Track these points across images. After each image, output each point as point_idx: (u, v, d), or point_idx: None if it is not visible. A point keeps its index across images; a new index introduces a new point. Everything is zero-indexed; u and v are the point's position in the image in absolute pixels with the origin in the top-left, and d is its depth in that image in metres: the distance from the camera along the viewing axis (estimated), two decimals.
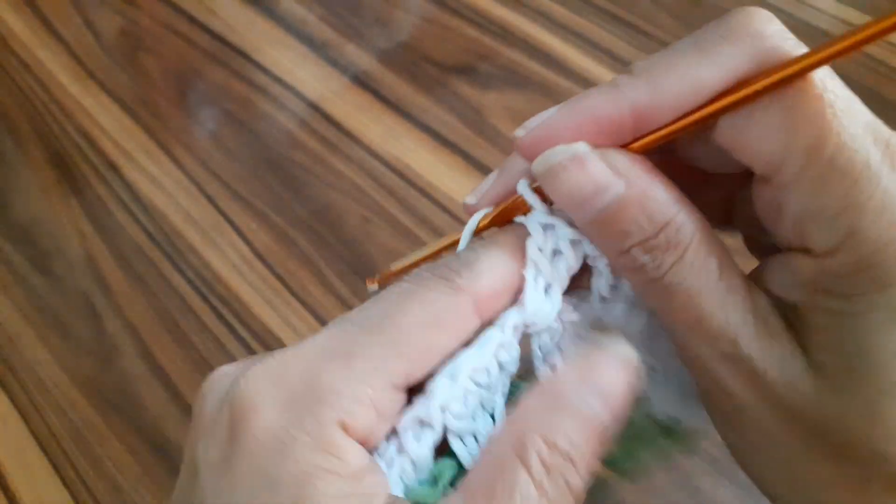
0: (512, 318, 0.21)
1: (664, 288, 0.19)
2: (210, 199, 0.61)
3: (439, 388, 0.20)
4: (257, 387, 0.19)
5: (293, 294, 0.56)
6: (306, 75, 0.69)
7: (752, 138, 0.19)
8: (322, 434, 0.18)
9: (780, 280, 0.20)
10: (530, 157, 0.21)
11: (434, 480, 0.20)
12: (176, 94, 0.69)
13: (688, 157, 0.23)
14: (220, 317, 0.55)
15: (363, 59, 0.70)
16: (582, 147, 0.20)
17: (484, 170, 0.61)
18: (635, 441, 0.24)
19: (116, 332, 0.55)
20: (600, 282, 0.23)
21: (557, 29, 0.70)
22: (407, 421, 0.20)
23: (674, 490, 0.45)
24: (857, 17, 0.70)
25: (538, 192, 0.22)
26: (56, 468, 0.49)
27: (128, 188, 0.63)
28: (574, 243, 0.22)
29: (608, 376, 0.20)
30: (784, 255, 0.20)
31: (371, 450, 0.20)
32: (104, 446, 0.50)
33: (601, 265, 0.22)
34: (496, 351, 0.21)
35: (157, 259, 0.58)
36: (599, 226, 0.20)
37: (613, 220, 0.19)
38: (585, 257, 0.22)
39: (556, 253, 0.22)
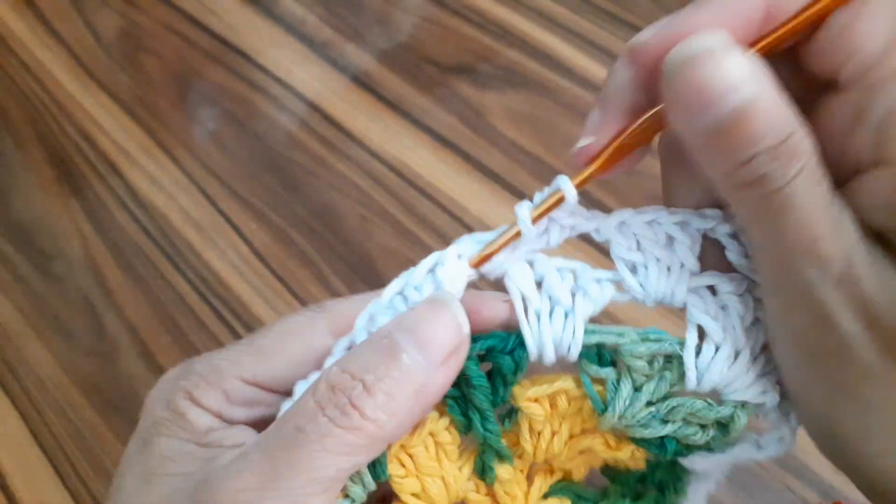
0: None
1: (783, 201, 0.19)
2: (210, 199, 0.61)
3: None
4: (166, 374, 0.26)
5: (293, 294, 0.56)
6: (306, 75, 0.70)
7: (856, 35, 0.19)
8: (171, 399, 0.24)
9: (864, 205, 0.20)
10: (653, 63, 0.20)
11: None
12: (176, 94, 0.69)
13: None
14: (220, 317, 0.55)
15: (363, 59, 0.70)
16: (719, 41, 0.19)
17: (484, 170, 0.61)
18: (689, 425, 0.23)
19: (116, 332, 0.55)
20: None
21: (557, 29, 0.70)
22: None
23: None
24: None
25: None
26: (56, 468, 0.49)
27: (128, 188, 0.63)
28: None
29: (419, 317, 0.21)
30: (859, 179, 0.20)
31: (229, 422, 0.24)
32: (104, 446, 0.50)
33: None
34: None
35: (157, 259, 0.58)
36: (726, 129, 0.18)
37: (744, 122, 0.18)
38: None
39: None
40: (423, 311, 0.22)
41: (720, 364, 0.22)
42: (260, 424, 0.24)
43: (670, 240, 0.23)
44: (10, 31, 0.76)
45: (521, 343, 0.23)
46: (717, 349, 0.22)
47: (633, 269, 0.23)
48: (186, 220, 0.60)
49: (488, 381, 0.23)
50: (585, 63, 0.67)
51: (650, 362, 0.22)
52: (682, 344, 0.22)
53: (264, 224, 0.59)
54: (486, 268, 0.23)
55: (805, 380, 0.21)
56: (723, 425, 0.23)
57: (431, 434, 0.24)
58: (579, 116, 0.63)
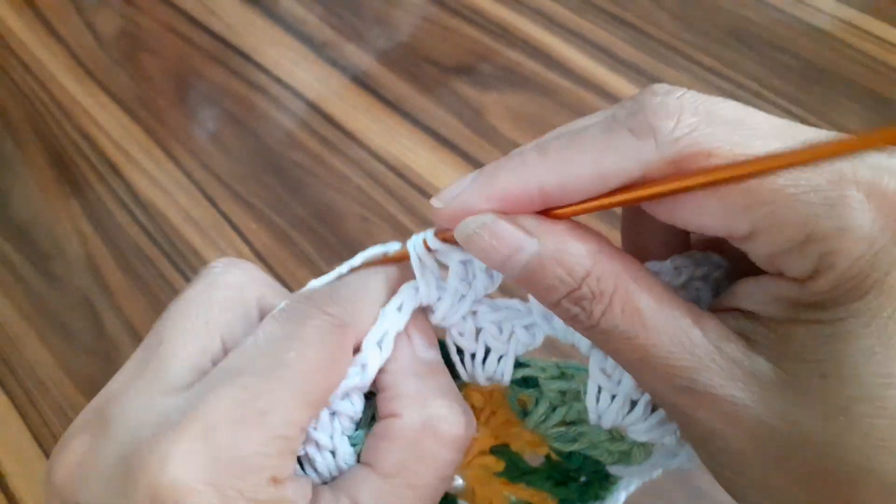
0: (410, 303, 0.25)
1: (602, 334, 0.20)
2: (210, 199, 0.61)
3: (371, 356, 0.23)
4: (185, 466, 0.18)
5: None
6: (306, 75, 0.70)
7: (687, 217, 0.20)
8: (259, 496, 0.19)
9: (757, 298, 0.20)
10: (450, 226, 0.22)
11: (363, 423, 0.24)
12: (176, 94, 0.69)
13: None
14: None
15: (363, 59, 0.70)
16: (489, 217, 0.21)
17: None
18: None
19: (116, 332, 0.55)
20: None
21: (557, 29, 0.70)
22: (338, 394, 0.23)
23: (674, 490, 0.45)
24: (856, 16, 0.70)
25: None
26: None
27: (128, 188, 0.63)
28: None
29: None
30: (762, 277, 0.20)
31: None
32: None
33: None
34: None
35: (157, 259, 0.58)
36: (526, 283, 0.21)
37: (536, 276, 0.20)
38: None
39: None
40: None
41: (615, 411, 0.24)
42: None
43: None
44: (10, 31, 0.76)
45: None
46: (612, 398, 0.24)
47: (549, 318, 0.25)
48: (186, 220, 0.60)
49: None
50: (585, 63, 0.67)
51: (563, 393, 0.25)
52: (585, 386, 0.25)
53: (264, 224, 0.59)
54: (435, 318, 0.25)
55: (698, 454, 0.22)
56: (625, 454, 0.25)
57: None
58: (579, 116, 0.63)
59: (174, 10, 0.76)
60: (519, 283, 0.21)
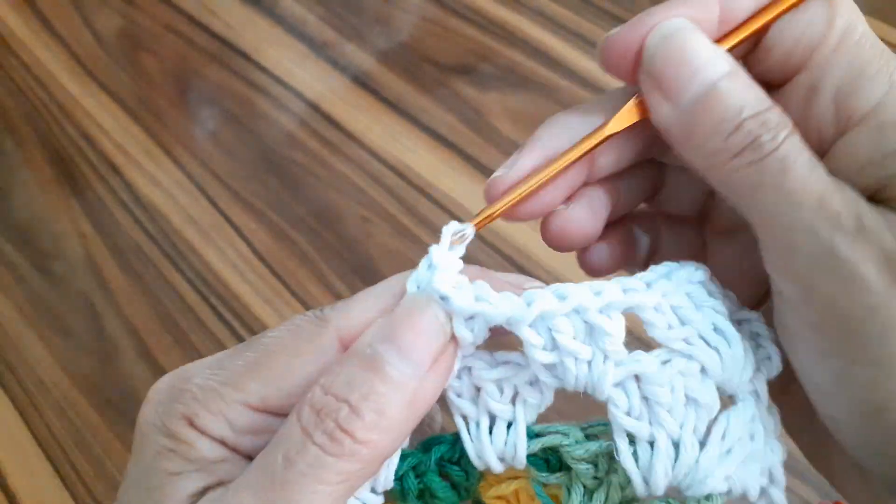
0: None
1: (781, 161, 0.19)
2: (210, 199, 0.61)
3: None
4: (154, 388, 0.22)
5: (293, 294, 0.56)
6: (306, 75, 0.70)
7: (801, 23, 0.20)
8: (171, 426, 0.21)
9: (841, 171, 0.20)
10: (621, 55, 0.21)
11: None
12: (176, 94, 0.69)
13: None
14: (220, 316, 0.55)
15: (363, 59, 0.70)
16: (692, 23, 0.20)
17: (484, 170, 0.61)
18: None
19: (116, 332, 0.55)
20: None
21: (557, 29, 0.70)
22: None
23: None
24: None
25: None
26: (56, 468, 0.49)
27: (128, 188, 0.63)
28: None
29: (396, 322, 0.20)
30: (829, 154, 0.21)
31: (235, 451, 0.21)
32: (104, 446, 0.50)
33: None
34: None
35: (157, 259, 0.58)
36: (714, 97, 0.19)
37: (728, 90, 0.19)
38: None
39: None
40: (401, 317, 0.20)
41: (662, 463, 0.19)
42: None
43: (590, 328, 0.20)
44: (10, 31, 0.76)
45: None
46: (651, 445, 0.20)
47: (553, 369, 0.20)
48: (186, 220, 0.60)
49: (452, 489, 0.23)
50: (586, 63, 0.67)
51: (594, 464, 0.21)
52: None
53: (264, 224, 0.59)
54: None
55: (839, 373, 0.20)
56: None
57: None
58: None
59: (174, 10, 0.76)
60: (699, 103, 0.19)
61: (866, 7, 0.69)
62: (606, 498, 0.21)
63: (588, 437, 0.21)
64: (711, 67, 0.19)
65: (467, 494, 0.23)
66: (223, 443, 0.21)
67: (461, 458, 0.22)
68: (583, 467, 0.21)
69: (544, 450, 0.21)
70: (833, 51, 0.20)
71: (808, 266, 0.19)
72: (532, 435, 0.21)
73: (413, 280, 0.21)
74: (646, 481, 0.20)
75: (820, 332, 0.20)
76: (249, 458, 0.21)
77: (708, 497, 0.20)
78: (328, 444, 0.18)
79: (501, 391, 0.21)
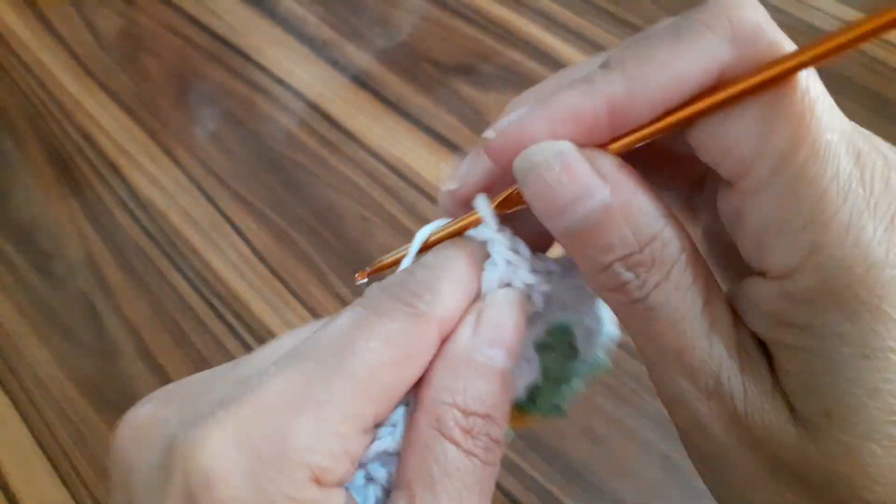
0: None
1: (646, 310, 0.18)
2: (210, 199, 0.61)
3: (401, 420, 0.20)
4: (218, 451, 0.17)
5: (293, 294, 0.56)
6: (306, 75, 0.70)
7: (725, 138, 0.17)
8: (298, 495, 0.17)
9: (746, 311, 0.19)
10: (502, 161, 0.19)
11: None
12: (176, 94, 0.69)
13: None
14: (220, 316, 0.55)
15: (363, 59, 0.70)
16: (566, 146, 0.18)
17: None
18: (554, 381, 0.25)
19: (116, 332, 0.55)
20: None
21: (557, 29, 0.70)
22: (372, 455, 0.20)
23: (674, 490, 0.45)
24: (856, 16, 0.70)
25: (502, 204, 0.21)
26: (56, 468, 0.49)
27: (128, 188, 0.63)
28: (536, 274, 0.21)
29: (499, 323, 0.20)
30: (747, 281, 0.19)
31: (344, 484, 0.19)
32: (104, 446, 0.50)
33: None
34: None
35: (157, 259, 0.58)
36: (580, 236, 0.18)
37: (596, 230, 0.18)
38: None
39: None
40: (503, 317, 0.20)
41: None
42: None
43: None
44: (10, 31, 0.76)
45: None
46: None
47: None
48: (186, 220, 0.60)
49: None
50: None
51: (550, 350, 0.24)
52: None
53: (264, 224, 0.59)
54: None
55: (697, 468, 0.21)
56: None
57: None
58: None
59: (174, 10, 0.76)
60: (567, 237, 0.18)
61: (867, 7, 0.69)
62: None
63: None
64: (581, 205, 0.17)
65: None
66: (343, 482, 0.19)
67: None
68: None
69: None
70: (756, 190, 0.17)
71: (667, 399, 0.20)
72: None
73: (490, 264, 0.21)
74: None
75: (688, 448, 0.21)
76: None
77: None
78: (487, 456, 0.19)
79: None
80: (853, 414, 0.17)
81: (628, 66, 0.18)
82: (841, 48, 0.16)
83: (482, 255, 0.21)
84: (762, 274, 0.18)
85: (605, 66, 0.18)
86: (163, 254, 0.58)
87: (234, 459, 0.17)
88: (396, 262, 0.23)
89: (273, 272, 0.57)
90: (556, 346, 0.24)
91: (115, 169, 0.64)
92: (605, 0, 0.72)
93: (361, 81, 0.68)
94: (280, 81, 0.69)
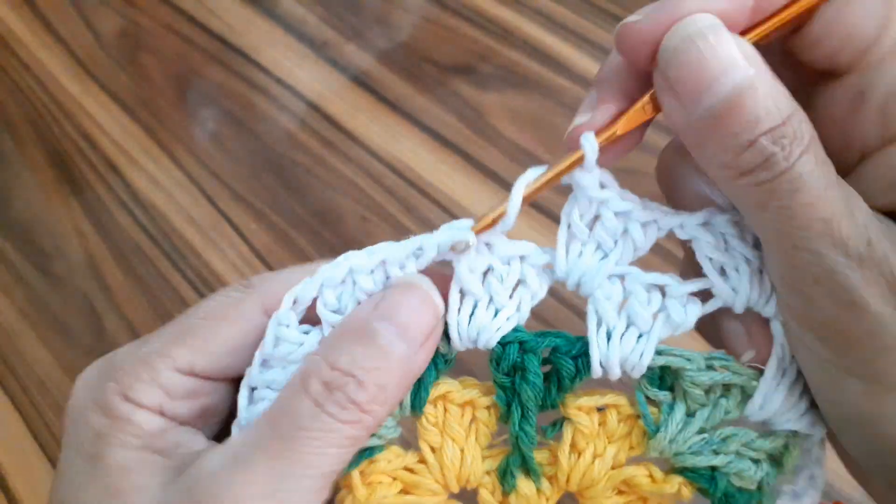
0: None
1: (792, 181, 0.18)
2: (210, 199, 0.61)
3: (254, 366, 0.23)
4: (80, 377, 0.24)
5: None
6: (306, 75, 0.70)
7: (852, 16, 0.19)
8: (105, 403, 0.22)
9: (866, 190, 0.19)
10: (642, 48, 0.20)
11: None
12: (176, 94, 0.69)
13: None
14: None
15: (363, 59, 0.70)
16: (713, 21, 0.19)
17: (484, 170, 0.61)
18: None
19: (116, 332, 0.55)
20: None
21: (557, 29, 0.70)
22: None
23: None
24: None
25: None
26: (56, 468, 0.49)
27: (128, 188, 0.63)
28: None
29: (395, 302, 0.21)
30: (867, 162, 0.20)
31: (173, 419, 0.23)
32: None
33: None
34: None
35: (157, 259, 0.58)
36: (727, 112, 0.18)
37: (744, 103, 0.18)
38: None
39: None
40: (399, 296, 0.22)
41: (784, 392, 0.21)
42: (202, 416, 0.24)
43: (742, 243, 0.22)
44: (10, 31, 0.76)
45: (586, 350, 0.22)
46: (782, 377, 0.21)
47: (722, 272, 0.22)
48: (186, 220, 0.60)
49: (544, 381, 0.23)
50: (585, 63, 0.67)
51: (708, 391, 0.22)
52: (747, 375, 0.22)
53: (264, 224, 0.59)
54: (570, 279, 0.22)
55: (836, 380, 0.20)
56: (775, 459, 0.22)
57: (471, 404, 0.23)
58: None
59: (174, 10, 0.76)
60: (712, 118, 0.18)
61: None
62: (707, 418, 0.22)
63: (708, 367, 0.22)
64: (730, 77, 0.18)
65: (556, 395, 0.23)
66: (160, 413, 0.23)
67: (578, 356, 0.22)
68: (697, 392, 0.22)
69: (662, 367, 0.22)
70: (885, 58, 0.19)
71: (812, 285, 0.19)
72: (656, 354, 0.22)
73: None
74: (763, 405, 0.21)
75: (819, 342, 0.20)
76: (188, 425, 0.23)
77: (795, 434, 0.22)
78: (340, 413, 0.20)
79: (649, 301, 0.22)
80: None
81: None
82: None
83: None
84: (885, 144, 0.19)
85: None
86: (163, 254, 0.58)
87: (82, 380, 0.24)
88: (497, 220, 0.22)
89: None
90: (707, 380, 0.22)
91: (115, 169, 0.64)
92: (605, 0, 0.72)
93: (361, 81, 0.68)
94: (280, 81, 0.69)
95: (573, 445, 0.23)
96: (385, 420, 0.22)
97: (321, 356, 0.21)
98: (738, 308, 0.21)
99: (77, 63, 0.72)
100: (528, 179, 0.22)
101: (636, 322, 0.22)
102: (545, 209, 0.55)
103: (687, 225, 0.22)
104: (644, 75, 0.21)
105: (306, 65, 0.70)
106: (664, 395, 0.22)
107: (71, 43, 0.74)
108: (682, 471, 0.23)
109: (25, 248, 0.60)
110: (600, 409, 0.23)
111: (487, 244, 0.22)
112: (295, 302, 0.23)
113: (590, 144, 0.21)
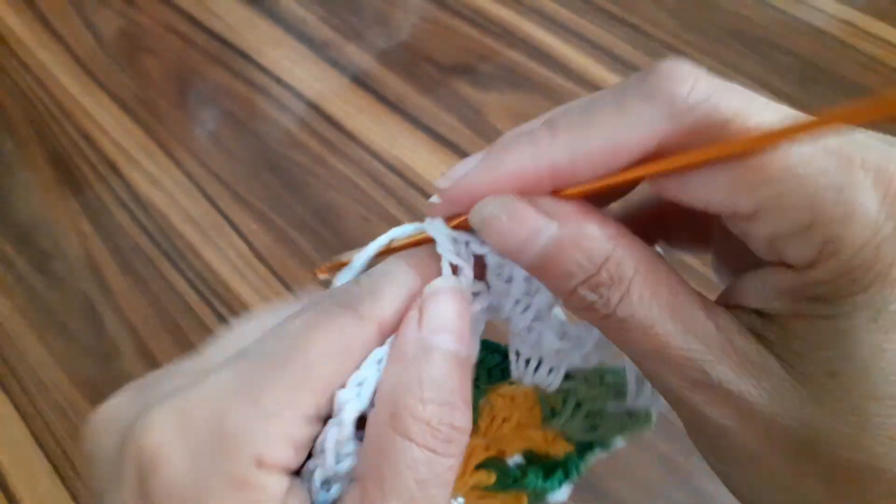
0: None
1: (617, 323, 0.19)
2: (210, 199, 0.61)
3: (347, 405, 0.20)
4: (163, 434, 0.18)
5: (293, 294, 0.56)
6: (306, 75, 0.70)
7: (694, 191, 0.19)
8: (237, 474, 0.18)
9: (759, 292, 0.20)
10: (453, 209, 0.21)
11: None
12: (176, 94, 0.69)
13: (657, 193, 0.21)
14: (220, 316, 0.55)
15: (363, 59, 0.70)
16: (507, 197, 0.20)
17: None
18: (596, 418, 0.28)
19: (116, 332, 0.55)
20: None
21: (557, 29, 0.70)
22: (324, 442, 0.20)
23: (674, 490, 0.45)
24: (856, 16, 0.70)
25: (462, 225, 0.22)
26: (56, 468, 0.49)
27: (128, 188, 0.63)
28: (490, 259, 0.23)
29: (439, 311, 0.21)
30: (763, 269, 0.20)
31: (292, 473, 0.20)
32: None
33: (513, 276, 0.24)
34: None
35: (157, 259, 0.58)
36: (542, 269, 0.20)
37: (553, 261, 0.19)
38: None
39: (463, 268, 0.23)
40: (445, 304, 0.21)
41: (648, 393, 0.27)
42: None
43: None
44: (10, 31, 0.76)
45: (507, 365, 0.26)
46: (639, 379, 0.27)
47: (605, 345, 0.25)
48: (186, 220, 0.60)
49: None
50: (585, 63, 0.67)
51: (594, 392, 0.27)
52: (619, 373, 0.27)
53: (264, 224, 0.59)
54: (502, 314, 0.24)
55: (704, 456, 0.21)
56: (630, 424, 0.28)
57: None
58: None
59: (174, 10, 0.76)
60: (533, 270, 0.20)
61: (867, 7, 0.69)
62: (591, 407, 0.27)
63: (602, 380, 0.26)
64: (535, 241, 0.19)
65: (483, 388, 0.27)
66: (287, 469, 0.20)
67: (504, 368, 0.26)
68: (587, 395, 0.26)
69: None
70: (753, 215, 0.18)
71: (676, 404, 0.20)
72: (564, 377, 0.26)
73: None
74: (634, 400, 0.27)
75: (693, 439, 0.21)
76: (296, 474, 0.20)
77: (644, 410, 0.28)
78: (447, 448, 0.19)
79: (558, 352, 0.25)
80: (860, 374, 0.17)
81: (571, 131, 0.19)
82: (798, 132, 0.17)
83: (433, 264, 0.22)
84: (780, 265, 0.19)
85: (549, 124, 0.20)
86: (163, 254, 0.58)
87: (175, 442, 0.18)
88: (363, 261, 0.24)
89: (273, 272, 0.57)
90: (595, 385, 0.26)
91: (114, 169, 0.64)
92: (605, 0, 0.72)
93: (361, 81, 0.68)
94: (280, 81, 0.69)
95: (489, 414, 0.27)
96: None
97: (403, 393, 0.20)
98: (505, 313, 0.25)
99: (77, 63, 0.72)
100: (396, 234, 0.24)
101: (548, 362, 0.25)
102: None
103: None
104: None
105: (306, 65, 0.70)
106: (561, 396, 0.27)
107: (71, 43, 0.74)
108: (568, 438, 0.29)
109: (25, 248, 0.60)
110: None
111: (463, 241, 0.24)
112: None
113: (438, 229, 0.23)
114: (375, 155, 0.63)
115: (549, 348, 0.25)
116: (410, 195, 0.60)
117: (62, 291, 0.57)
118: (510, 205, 0.20)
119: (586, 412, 0.27)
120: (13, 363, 0.54)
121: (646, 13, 0.72)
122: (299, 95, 0.68)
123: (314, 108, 0.67)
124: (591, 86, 0.66)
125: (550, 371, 0.25)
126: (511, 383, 0.26)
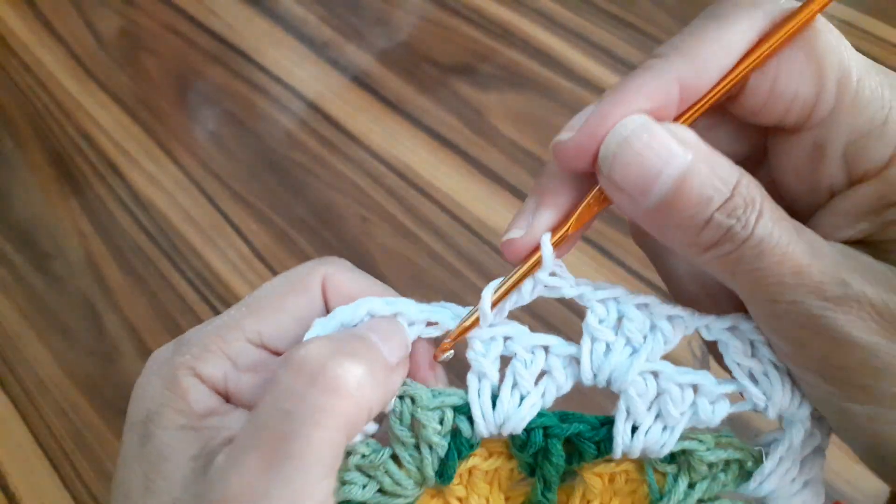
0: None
1: (755, 247, 0.19)
2: (210, 199, 0.61)
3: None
4: (154, 353, 0.24)
5: None
6: (306, 75, 0.70)
7: (785, 84, 0.20)
8: (170, 377, 0.22)
9: (840, 222, 0.20)
10: (577, 161, 0.21)
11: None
12: (176, 94, 0.69)
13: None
14: None
15: (363, 59, 0.70)
16: (645, 118, 0.20)
17: (484, 170, 0.61)
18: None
19: (116, 332, 0.55)
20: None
21: (557, 29, 0.70)
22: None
23: None
24: (856, 16, 0.70)
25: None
26: (56, 468, 0.49)
27: (128, 188, 0.63)
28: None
29: (382, 325, 0.23)
30: (838, 198, 0.20)
31: (229, 396, 0.23)
32: (104, 446, 0.50)
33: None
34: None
35: (157, 259, 0.58)
36: (676, 200, 0.19)
37: (689, 189, 0.19)
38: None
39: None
40: (384, 322, 0.23)
41: (780, 476, 0.23)
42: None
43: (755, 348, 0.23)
44: (10, 31, 0.76)
45: (609, 436, 0.23)
46: (779, 461, 0.23)
47: (751, 376, 0.22)
48: (186, 220, 0.60)
49: (565, 457, 0.24)
50: (585, 63, 0.67)
51: (710, 466, 0.23)
52: (752, 455, 0.23)
53: (264, 224, 0.59)
54: (600, 377, 0.23)
55: (841, 409, 0.21)
56: None
57: (496, 471, 0.25)
58: None
59: (174, 10, 0.76)
60: (663, 209, 0.19)
61: (867, 7, 0.69)
62: (706, 490, 0.23)
63: (717, 446, 0.23)
64: (671, 167, 0.19)
65: (573, 469, 0.24)
66: (224, 385, 0.23)
67: (600, 441, 0.23)
68: (703, 468, 0.23)
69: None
70: (833, 111, 0.20)
71: (798, 330, 0.20)
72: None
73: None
74: (760, 485, 0.23)
75: (818, 379, 0.21)
76: (248, 406, 0.22)
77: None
78: (329, 391, 0.20)
79: (683, 399, 0.23)
80: None
81: (684, 48, 0.20)
82: None
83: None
84: (853, 184, 0.20)
85: (657, 55, 0.20)
86: (163, 254, 0.58)
87: (156, 355, 0.24)
88: (470, 327, 0.23)
89: (273, 272, 0.57)
90: (714, 457, 0.23)
91: (114, 169, 0.64)
92: (605, 0, 0.72)
93: (361, 81, 0.68)
94: (280, 81, 0.69)
95: (583, 498, 0.24)
96: (372, 414, 0.22)
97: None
98: (772, 415, 0.22)
99: (77, 63, 0.72)
100: (494, 286, 0.23)
101: (664, 418, 0.23)
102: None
103: (713, 327, 0.23)
104: (586, 176, 0.21)
105: (306, 65, 0.70)
106: (671, 469, 0.24)
107: (71, 43, 0.74)
108: None
109: (25, 248, 0.60)
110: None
111: (506, 337, 0.24)
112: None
113: (546, 247, 0.22)
114: (375, 155, 0.63)
115: (674, 389, 0.22)
116: (410, 195, 0.60)
117: (62, 291, 0.57)
118: (650, 125, 0.19)
119: (699, 497, 0.23)
120: (13, 363, 0.54)
121: (645, 13, 0.72)
122: (299, 95, 0.68)
123: (314, 108, 0.67)
124: (592, 86, 0.66)
125: (664, 430, 0.23)
126: (608, 461, 0.24)
